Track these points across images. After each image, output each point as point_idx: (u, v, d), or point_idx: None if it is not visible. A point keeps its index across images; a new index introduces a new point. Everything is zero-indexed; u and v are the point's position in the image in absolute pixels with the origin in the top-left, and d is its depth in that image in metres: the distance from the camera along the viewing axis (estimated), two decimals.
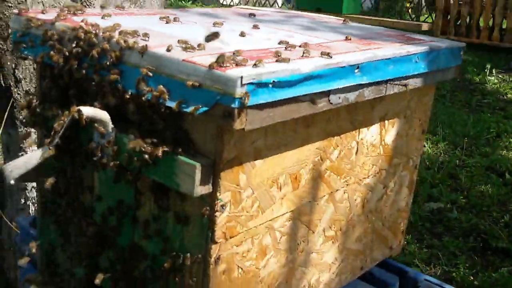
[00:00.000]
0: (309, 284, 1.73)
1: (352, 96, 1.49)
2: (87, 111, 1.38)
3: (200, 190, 1.29)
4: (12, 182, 1.57)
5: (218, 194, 1.32)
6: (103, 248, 1.59)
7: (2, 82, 3.18)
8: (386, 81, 1.60)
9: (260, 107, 1.23)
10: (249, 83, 1.17)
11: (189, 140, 1.32)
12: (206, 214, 1.33)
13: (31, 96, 1.57)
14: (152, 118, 1.36)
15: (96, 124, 1.37)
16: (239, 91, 1.16)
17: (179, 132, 1.33)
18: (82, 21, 1.43)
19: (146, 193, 1.45)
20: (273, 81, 1.23)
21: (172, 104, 1.24)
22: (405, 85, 1.65)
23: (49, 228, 1.73)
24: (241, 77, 1.15)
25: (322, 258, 1.75)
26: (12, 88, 3.04)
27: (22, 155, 3.39)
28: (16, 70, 3.15)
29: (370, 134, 1.75)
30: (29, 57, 1.51)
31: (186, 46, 1.30)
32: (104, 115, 1.38)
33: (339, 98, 1.45)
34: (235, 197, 1.36)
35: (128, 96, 1.33)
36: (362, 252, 1.92)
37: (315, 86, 1.35)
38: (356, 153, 1.72)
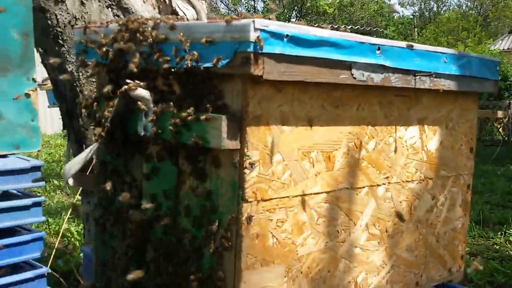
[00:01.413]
0: (355, 282, 1.74)
1: (377, 77, 1.63)
2: (132, 89, 1.61)
3: (228, 143, 1.43)
4: (70, 181, 1.78)
5: (246, 150, 1.45)
6: (147, 238, 1.71)
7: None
8: (413, 73, 1.74)
9: (277, 58, 1.40)
10: (262, 30, 1.36)
11: (219, 100, 1.49)
12: (236, 171, 1.45)
13: (89, 97, 1.83)
14: (186, 85, 1.55)
15: (139, 102, 1.59)
16: (253, 36, 1.35)
17: (211, 94, 1.51)
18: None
19: (185, 166, 1.59)
20: (287, 34, 1.41)
21: (203, 64, 1.45)
22: (431, 75, 1.76)
23: (102, 239, 1.89)
24: (253, 21, 1.35)
25: (369, 257, 1.77)
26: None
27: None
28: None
29: (409, 135, 1.84)
30: (89, 62, 1.80)
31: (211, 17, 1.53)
32: (146, 92, 1.60)
33: (363, 75, 1.60)
34: (264, 159, 1.49)
35: (165, 69, 1.55)
36: (416, 265, 1.91)
37: (333, 54, 1.51)
38: (396, 151, 1.81)
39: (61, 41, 3.41)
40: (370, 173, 1.74)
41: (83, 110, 1.81)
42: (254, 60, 1.35)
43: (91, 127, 1.81)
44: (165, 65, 1.54)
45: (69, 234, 4.55)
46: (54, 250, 2.87)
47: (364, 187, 1.73)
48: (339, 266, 1.69)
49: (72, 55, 3.47)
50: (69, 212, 3.55)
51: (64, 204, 6.44)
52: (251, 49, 1.35)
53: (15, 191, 2.51)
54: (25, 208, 2.38)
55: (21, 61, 2.50)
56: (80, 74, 3.41)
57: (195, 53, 1.47)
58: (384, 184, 1.78)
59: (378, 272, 1.79)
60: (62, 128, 9.50)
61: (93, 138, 1.80)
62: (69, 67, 3.46)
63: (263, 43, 1.35)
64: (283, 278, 1.55)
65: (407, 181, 1.84)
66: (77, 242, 4.92)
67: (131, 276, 1.60)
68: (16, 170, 2.36)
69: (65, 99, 3.57)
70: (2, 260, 2.33)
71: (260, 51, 1.35)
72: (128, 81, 1.59)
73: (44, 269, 2.50)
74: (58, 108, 3.75)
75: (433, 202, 1.93)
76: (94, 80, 3.38)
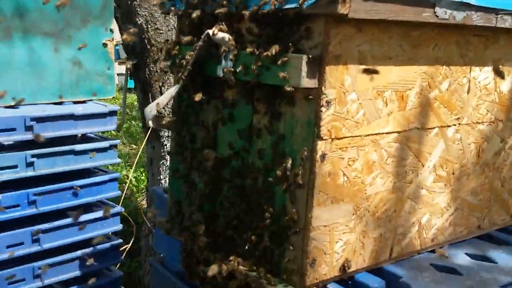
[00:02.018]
0: (419, 222, 1.77)
1: (459, 16, 1.59)
2: (214, 32, 1.63)
3: (306, 82, 1.44)
4: (150, 123, 1.84)
5: (323, 88, 1.46)
6: (222, 176, 1.77)
7: (150, 99, 3.66)
8: (496, 11, 1.68)
9: None
10: None
11: (300, 40, 1.48)
12: (313, 109, 1.47)
13: (169, 43, 1.85)
14: (268, 27, 1.55)
15: (221, 45, 1.61)
16: None
17: (292, 35, 1.50)
18: None
19: (260, 106, 1.62)
20: None
21: (288, 5, 1.44)
22: None
23: (177, 182, 1.96)
24: None
25: (434, 199, 1.79)
26: None
27: (163, 169, 3.79)
28: (163, 88, 3.62)
29: (483, 75, 1.81)
30: (172, 9, 1.81)
31: None
32: (227, 36, 1.62)
33: (445, 13, 1.56)
34: (340, 97, 1.49)
35: (249, 12, 1.55)
36: (479, 208, 1.94)
37: None
38: (468, 91, 1.79)
39: None
40: (442, 114, 1.73)
41: (165, 55, 1.84)
42: None
43: (172, 71, 1.85)
44: (250, 8, 1.54)
45: (126, 180, 4.75)
46: (123, 194, 3.00)
47: (434, 127, 1.73)
48: (404, 206, 1.72)
49: (142, 9, 3.52)
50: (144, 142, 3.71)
51: (120, 152, 6.65)
52: None
53: (92, 135, 2.64)
54: (102, 150, 2.50)
55: (100, 12, 2.59)
56: (149, 26, 3.46)
57: None
58: (455, 125, 1.78)
59: (442, 214, 1.83)
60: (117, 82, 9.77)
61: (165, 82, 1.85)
62: (139, 20, 3.51)
63: None
64: (351, 216, 1.59)
65: (477, 122, 1.84)
66: (134, 188, 5.13)
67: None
68: (95, 114, 2.48)
69: (134, 50, 3.64)
70: (80, 199, 2.48)
71: None
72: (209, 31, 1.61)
73: (119, 208, 2.67)
74: (116, 63, 3.87)
75: (501, 145, 1.93)
76: (162, 32, 3.45)
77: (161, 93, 3.66)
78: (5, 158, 2.34)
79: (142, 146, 3.85)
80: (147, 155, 3.97)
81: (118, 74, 12.36)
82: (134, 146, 7.20)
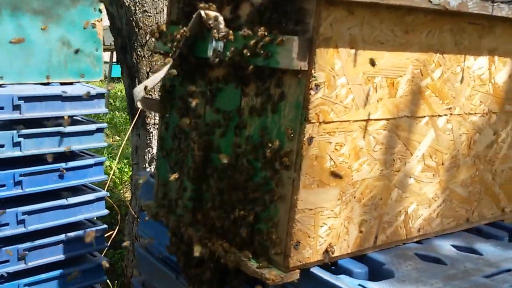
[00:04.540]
0: (406, 212, 1.85)
1: (454, 2, 1.66)
2: (205, 13, 1.70)
3: (297, 64, 1.51)
4: (139, 104, 1.91)
5: (313, 71, 1.53)
6: (207, 161, 1.84)
7: (137, 85, 3.70)
8: None
9: None
10: None
11: (291, 21, 1.55)
12: (302, 91, 1.54)
13: (159, 23, 1.93)
14: (259, 8, 1.62)
15: (211, 25, 1.68)
16: None
17: (283, 16, 1.57)
18: None
19: (249, 87, 1.69)
20: None
21: None
22: (510, 2, 1.78)
23: (164, 164, 2.04)
24: None
25: (422, 189, 1.87)
26: None
27: (148, 158, 3.85)
28: (150, 74, 3.68)
29: (477, 65, 1.88)
30: None
31: None
32: (218, 15, 1.70)
33: None
34: (330, 81, 1.56)
35: None
36: (468, 201, 2.01)
37: None
38: (462, 81, 1.86)
39: None
40: (433, 103, 1.80)
41: (155, 34, 1.91)
42: None
43: (161, 51, 1.92)
44: None
45: (109, 172, 4.82)
46: (107, 185, 3.07)
47: (424, 116, 1.80)
48: (391, 194, 1.79)
49: None
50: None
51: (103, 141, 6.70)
52: None
53: (79, 118, 2.71)
54: (89, 133, 2.58)
55: None
56: (137, 8, 3.52)
57: None
58: (446, 115, 1.85)
59: (429, 204, 1.90)
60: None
61: (158, 63, 1.91)
62: (126, 1, 3.56)
63: None
64: (336, 201, 1.67)
65: (469, 113, 1.91)
66: (117, 180, 5.20)
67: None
68: (82, 96, 2.54)
69: (120, 33, 3.69)
70: (66, 182, 2.56)
71: None
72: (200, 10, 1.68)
73: (104, 193, 2.75)
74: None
75: (494, 138, 2.00)
76: (150, 14, 3.52)
77: (148, 78, 3.70)
78: None
79: (128, 133, 3.91)
80: (132, 144, 4.02)
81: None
82: (118, 138, 7.27)
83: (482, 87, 1.92)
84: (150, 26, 3.63)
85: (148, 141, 3.85)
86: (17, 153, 2.49)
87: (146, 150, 3.86)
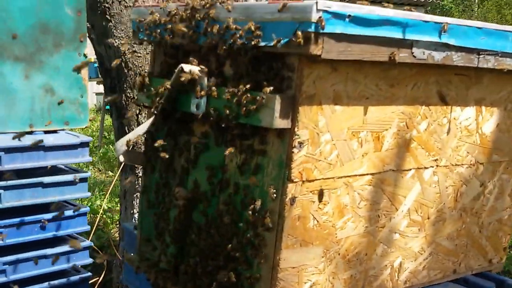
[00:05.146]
0: (392, 265, 1.79)
1: (438, 56, 1.62)
2: (187, 67, 1.66)
3: (279, 123, 1.46)
4: (121, 158, 1.86)
5: (296, 129, 1.48)
6: (190, 217, 1.78)
7: (126, 128, 3.65)
8: (478, 51, 1.72)
9: (337, 37, 1.41)
10: (324, 11, 1.36)
11: (273, 79, 1.51)
12: (285, 150, 1.49)
13: (142, 75, 1.88)
14: (241, 64, 1.58)
15: (194, 80, 1.64)
16: (315, 16, 1.36)
17: (265, 73, 1.53)
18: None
19: (233, 145, 1.63)
20: (349, 15, 1.41)
21: (261, 43, 1.47)
22: (497, 54, 1.74)
23: (147, 218, 1.98)
24: (316, 3, 1.36)
25: (407, 243, 1.81)
26: None
27: (136, 203, 3.78)
28: (139, 116, 3.61)
29: (464, 116, 1.84)
30: (145, 40, 1.85)
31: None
32: (198, 70, 1.65)
33: (423, 53, 1.59)
34: (313, 138, 1.51)
35: (222, 48, 1.57)
36: (455, 253, 1.95)
37: (395, 33, 1.50)
38: (448, 132, 1.81)
39: (108, 16, 3.47)
40: (419, 155, 1.76)
41: (136, 86, 1.86)
42: (314, 39, 1.37)
43: (144, 103, 1.87)
44: (223, 44, 1.57)
45: (100, 211, 4.75)
46: (95, 226, 3.01)
47: (410, 169, 1.75)
48: (376, 250, 1.74)
49: (118, 30, 3.53)
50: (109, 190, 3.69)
51: (96, 180, 6.62)
52: (312, 29, 1.36)
53: (63, 166, 2.65)
54: (72, 183, 2.51)
55: (73, 36, 2.61)
56: (126, 50, 3.47)
57: (258, 32, 1.48)
58: (432, 167, 1.80)
59: (415, 258, 1.84)
60: (95, 102, 9.72)
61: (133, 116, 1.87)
62: (115, 42, 3.52)
63: (325, 23, 1.35)
64: (320, 258, 1.61)
65: (456, 164, 1.86)
66: (108, 219, 5.13)
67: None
68: (66, 146, 2.49)
69: (109, 74, 3.64)
70: (47, 233, 2.50)
71: (321, 31, 1.35)
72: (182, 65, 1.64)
73: (88, 242, 2.69)
74: (94, 82, 3.84)
75: (480, 189, 1.95)
76: (140, 55, 3.48)
77: (138, 121, 3.64)
78: None
79: (115, 178, 3.81)
80: (120, 187, 3.94)
81: (96, 94, 12.28)
82: (111, 173, 7.17)
83: (469, 138, 1.87)
84: (140, 66, 3.57)
85: (137, 186, 3.76)
86: None
87: (135, 195, 3.77)
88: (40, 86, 2.60)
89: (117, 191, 5.49)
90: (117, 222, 5.32)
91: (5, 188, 2.41)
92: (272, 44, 1.44)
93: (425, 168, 1.79)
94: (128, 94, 3.61)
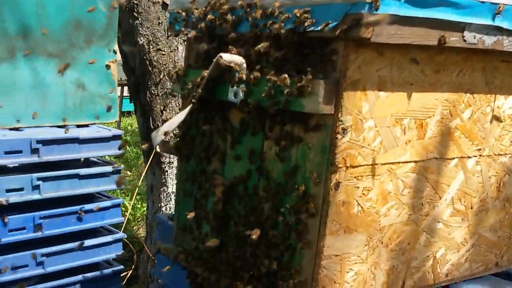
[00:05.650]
0: (434, 256, 1.75)
1: (489, 40, 1.58)
2: (226, 56, 1.63)
3: (323, 108, 1.44)
4: (157, 148, 1.84)
5: (340, 115, 1.45)
6: (228, 204, 1.77)
7: (151, 124, 3.64)
8: None
9: (389, 20, 1.37)
10: None
11: (318, 65, 1.48)
12: (328, 136, 1.46)
13: (178, 67, 1.86)
14: (284, 50, 1.55)
15: (232, 68, 1.61)
16: None
17: (310, 59, 1.50)
18: None
19: (273, 131, 1.61)
20: None
21: (308, 28, 1.44)
22: None
23: (183, 208, 1.96)
24: None
25: (450, 233, 1.77)
26: None
27: (164, 197, 3.77)
28: (164, 112, 3.61)
29: (508, 104, 1.80)
30: (182, 31, 1.83)
31: None
32: (240, 58, 1.63)
33: (474, 37, 1.55)
34: (357, 124, 1.48)
35: (266, 35, 1.56)
36: (498, 245, 1.91)
37: (448, 14, 1.46)
38: (491, 121, 1.77)
39: (135, 14, 3.46)
40: (462, 144, 1.72)
41: (172, 78, 1.85)
42: (366, 22, 1.33)
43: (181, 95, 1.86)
44: (266, 31, 1.55)
45: (123, 208, 4.76)
46: (125, 220, 3.02)
47: (454, 158, 1.72)
48: (419, 239, 1.70)
49: (144, 28, 3.54)
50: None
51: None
52: (365, 10, 1.33)
53: (95, 159, 2.66)
54: (105, 175, 2.51)
55: (104, 32, 2.62)
56: (151, 46, 3.47)
57: (305, 15, 1.45)
58: (475, 156, 1.76)
59: (458, 249, 1.80)
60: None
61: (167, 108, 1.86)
62: (140, 40, 3.52)
63: (380, 3, 1.32)
64: (363, 247, 1.58)
65: (499, 154, 1.82)
66: (130, 217, 5.15)
67: (209, 244, 1.73)
68: (99, 138, 2.51)
69: (133, 72, 3.64)
70: (84, 224, 2.54)
71: (374, 12, 1.32)
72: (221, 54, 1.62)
73: (121, 234, 2.70)
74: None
75: None
76: (164, 53, 3.47)
77: (162, 117, 3.64)
78: (11, 181, 2.37)
79: (144, 172, 3.83)
80: (147, 182, 3.94)
81: None
82: (129, 173, 7.17)
83: None
84: (164, 64, 3.57)
85: (163, 180, 3.77)
86: (36, 196, 2.44)
87: (162, 189, 3.78)
88: (72, 81, 2.62)
89: (137, 189, 5.51)
90: (139, 220, 5.31)
91: (44, 179, 2.43)
92: (319, 28, 1.40)
93: (469, 157, 1.75)
94: (152, 91, 3.61)
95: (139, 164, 7.39)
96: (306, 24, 1.43)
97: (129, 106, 9.51)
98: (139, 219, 5.52)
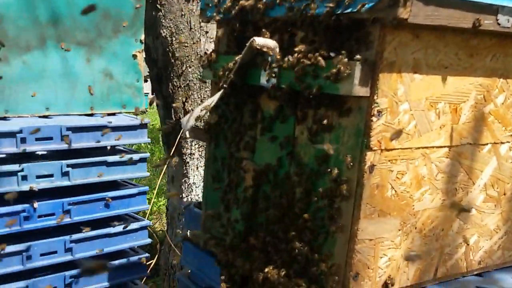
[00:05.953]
0: (467, 243, 1.73)
1: None
2: (259, 40, 1.63)
3: (358, 90, 1.42)
4: (187, 133, 1.84)
5: (375, 97, 1.43)
6: (259, 188, 1.76)
7: (173, 116, 3.64)
8: None
9: (425, 0, 1.36)
10: None
11: (353, 46, 1.47)
12: (363, 118, 1.45)
13: (210, 53, 1.86)
14: (319, 33, 1.54)
15: (265, 49, 1.60)
16: None
17: (345, 41, 1.48)
18: None
19: (305, 114, 1.60)
20: None
21: (342, 10, 1.43)
22: None
23: (212, 194, 1.97)
24: None
25: (483, 220, 1.75)
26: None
27: (185, 187, 3.77)
28: (186, 103, 3.61)
29: None
30: (214, 17, 1.83)
31: None
32: (273, 42, 1.62)
33: (508, 21, 1.53)
34: (392, 107, 1.47)
35: (300, 18, 1.55)
36: None
37: None
38: None
39: (158, 6, 3.47)
40: (496, 129, 1.70)
41: (204, 63, 1.85)
42: (402, 1, 1.32)
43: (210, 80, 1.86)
44: (300, 14, 1.54)
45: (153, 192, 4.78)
46: (149, 210, 3.04)
47: (487, 144, 1.70)
48: (453, 225, 1.68)
49: (167, 20, 3.54)
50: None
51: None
52: None
53: (122, 147, 2.69)
54: (133, 163, 2.54)
55: (132, 22, 2.63)
56: (173, 39, 3.47)
57: None
58: (509, 142, 1.74)
59: (491, 236, 1.78)
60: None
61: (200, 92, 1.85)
62: (163, 32, 3.53)
63: None
64: (397, 231, 1.56)
65: None
66: (146, 210, 5.17)
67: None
68: (127, 127, 2.53)
69: (156, 64, 3.65)
70: (111, 211, 2.58)
71: None
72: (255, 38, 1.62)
73: (147, 222, 2.72)
74: None
75: None
76: (187, 45, 3.47)
77: (184, 109, 3.64)
78: (41, 167, 2.40)
79: (166, 164, 3.82)
80: (167, 173, 3.95)
81: None
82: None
83: None
84: (187, 56, 3.57)
85: (185, 171, 3.77)
86: (65, 182, 2.47)
87: (183, 180, 3.78)
88: (100, 70, 2.63)
89: (152, 184, 5.53)
90: (155, 213, 5.33)
91: (73, 166, 2.46)
92: (356, 9, 1.39)
93: (502, 143, 1.73)
94: (174, 83, 3.61)
95: (153, 161, 7.45)
96: (346, 2, 1.42)
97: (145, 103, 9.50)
98: (155, 213, 5.54)
